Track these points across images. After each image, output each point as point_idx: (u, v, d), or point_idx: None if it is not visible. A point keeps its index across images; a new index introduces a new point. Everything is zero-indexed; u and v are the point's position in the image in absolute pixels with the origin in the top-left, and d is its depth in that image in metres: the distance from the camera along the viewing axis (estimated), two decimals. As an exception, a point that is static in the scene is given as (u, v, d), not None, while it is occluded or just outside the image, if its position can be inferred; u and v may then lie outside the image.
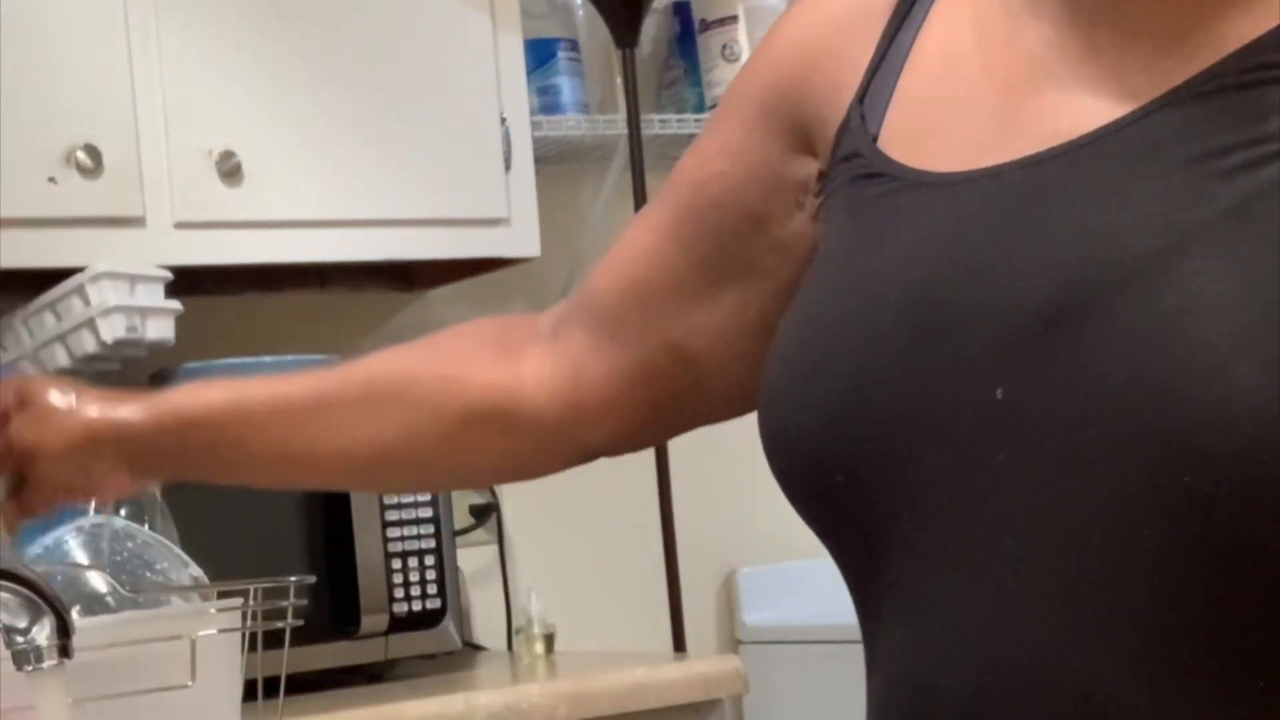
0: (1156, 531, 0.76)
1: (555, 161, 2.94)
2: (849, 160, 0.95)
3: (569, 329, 1.10)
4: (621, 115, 2.87)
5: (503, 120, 2.65)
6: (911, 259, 0.87)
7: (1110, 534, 0.77)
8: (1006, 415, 0.81)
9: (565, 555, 2.99)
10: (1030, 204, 0.84)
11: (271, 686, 1.12)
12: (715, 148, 1.06)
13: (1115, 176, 0.82)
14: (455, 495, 2.70)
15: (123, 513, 1.26)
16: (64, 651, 0.85)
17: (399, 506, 2.50)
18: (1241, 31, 0.82)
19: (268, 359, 2.50)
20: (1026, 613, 0.80)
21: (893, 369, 0.85)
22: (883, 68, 0.96)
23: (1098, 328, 0.78)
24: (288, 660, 1.07)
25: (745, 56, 2.98)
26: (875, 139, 0.94)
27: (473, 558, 2.89)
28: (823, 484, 0.90)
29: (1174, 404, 0.76)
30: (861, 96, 0.96)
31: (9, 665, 0.85)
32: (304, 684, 2.34)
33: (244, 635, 1.07)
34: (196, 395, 1.11)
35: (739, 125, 1.04)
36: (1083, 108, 0.86)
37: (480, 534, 2.95)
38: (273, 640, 1.08)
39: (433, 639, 2.52)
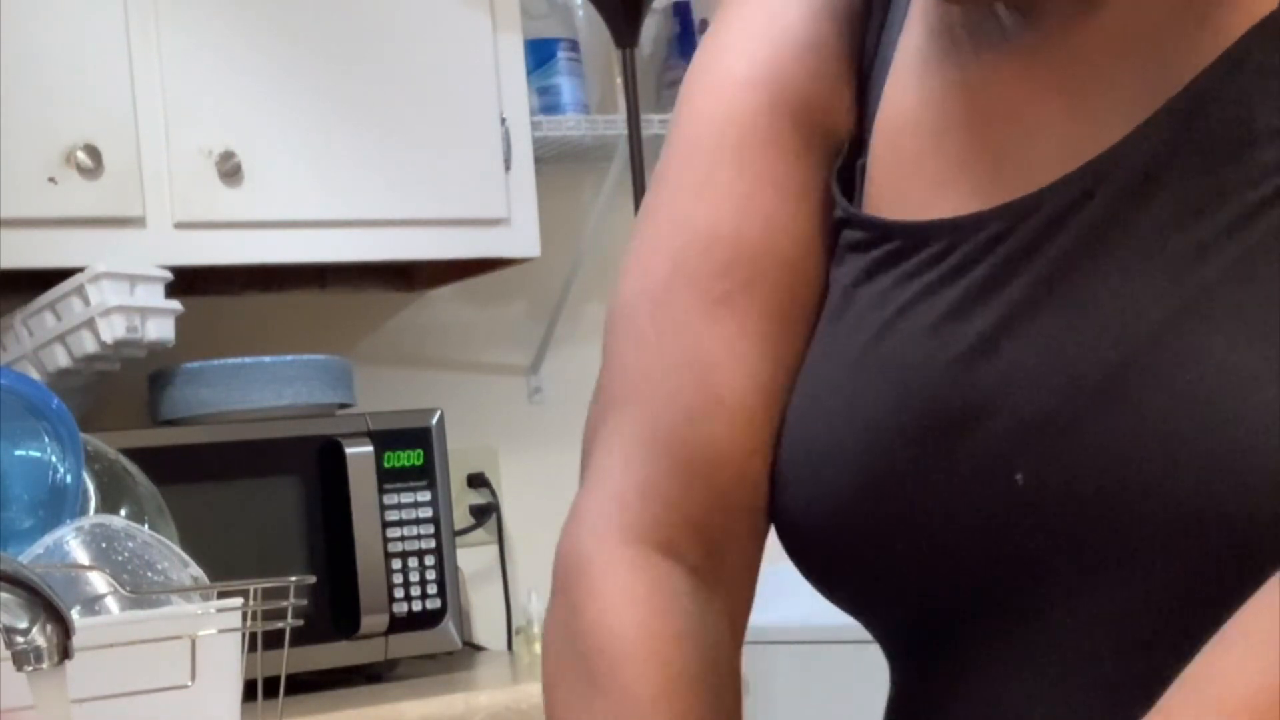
0: (1205, 619, 0.73)
1: (555, 161, 2.94)
2: (839, 226, 0.90)
3: (725, 548, 0.90)
4: (621, 115, 2.86)
5: (503, 120, 2.65)
6: (910, 341, 0.83)
7: (1154, 622, 0.75)
8: (1030, 501, 0.78)
9: (565, 555, 2.98)
10: (1022, 273, 0.80)
11: (271, 686, 1.12)
12: (749, 196, 0.90)
13: (1108, 234, 0.79)
14: (455, 495, 2.70)
15: (123, 513, 1.26)
16: (64, 651, 0.84)
17: (399, 507, 2.50)
18: (1217, 36, 0.80)
19: (267, 359, 2.50)
20: (1062, 696, 0.79)
21: (902, 461, 0.82)
22: (870, 86, 0.92)
23: (1117, 408, 0.76)
24: (288, 660, 1.07)
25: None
26: (863, 180, 0.90)
27: (473, 558, 2.89)
28: (843, 576, 0.87)
29: (1208, 489, 0.73)
30: (858, 123, 0.92)
31: (9, 665, 0.85)
32: (304, 684, 2.34)
33: (244, 635, 1.07)
34: None
35: (769, 151, 0.91)
36: (1062, 138, 0.83)
37: (480, 534, 2.95)
38: (273, 640, 1.08)
39: (433, 639, 2.52)
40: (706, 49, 0.95)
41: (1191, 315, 0.76)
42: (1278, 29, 0.78)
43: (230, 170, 2.43)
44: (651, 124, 2.90)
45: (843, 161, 0.91)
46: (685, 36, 3.08)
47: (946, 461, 0.81)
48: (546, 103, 2.89)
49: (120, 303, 2.30)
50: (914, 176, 0.88)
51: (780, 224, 0.90)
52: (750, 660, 0.95)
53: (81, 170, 2.32)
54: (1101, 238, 0.79)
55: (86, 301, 2.32)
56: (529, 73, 2.76)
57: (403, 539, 2.49)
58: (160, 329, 2.35)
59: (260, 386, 2.47)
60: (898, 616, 0.88)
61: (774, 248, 0.90)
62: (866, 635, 0.92)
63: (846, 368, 0.86)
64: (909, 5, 0.91)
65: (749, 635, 0.92)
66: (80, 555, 1.11)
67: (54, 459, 1.22)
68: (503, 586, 2.92)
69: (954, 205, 0.85)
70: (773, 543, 0.92)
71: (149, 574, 1.12)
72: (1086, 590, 0.78)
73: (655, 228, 0.93)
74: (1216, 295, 0.76)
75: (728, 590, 0.90)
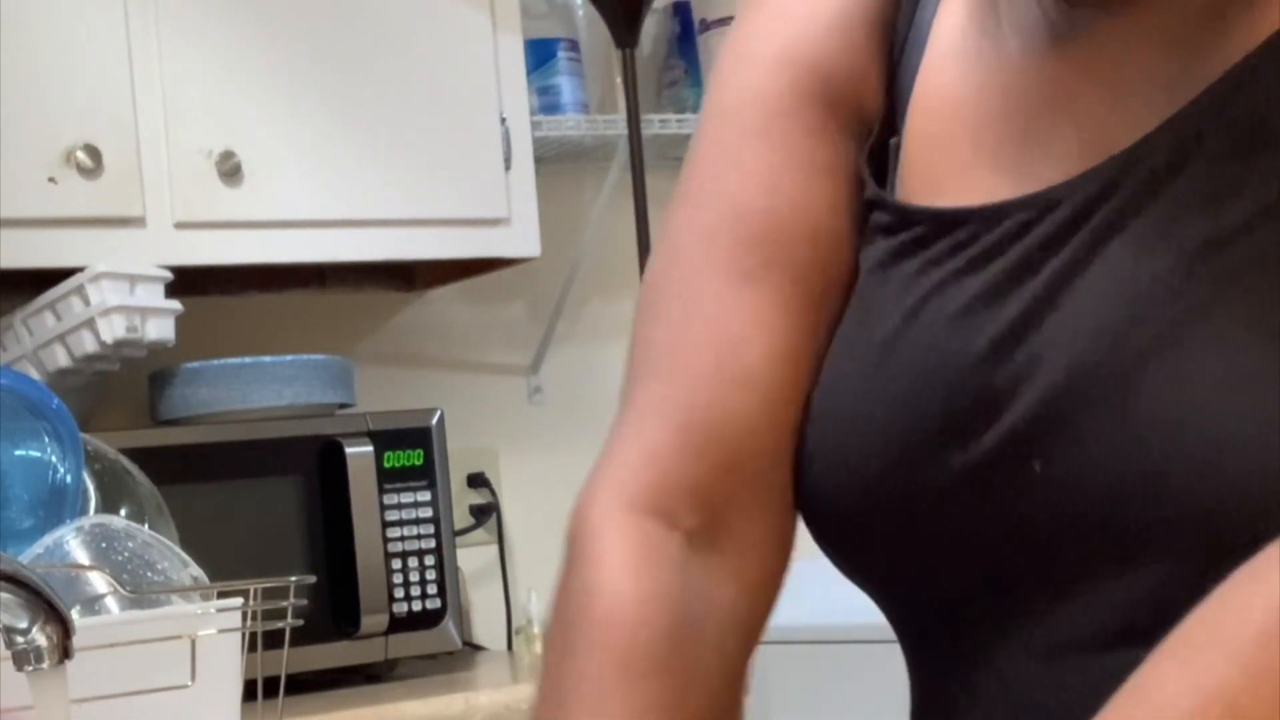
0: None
1: (555, 161, 2.94)
2: (869, 207, 0.91)
3: (728, 516, 0.90)
4: (621, 115, 2.86)
5: (503, 120, 2.65)
6: (935, 328, 0.84)
7: (1161, 614, 0.75)
8: (1046, 489, 0.80)
9: (565, 555, 2.98)
10: (1046, 265, 0.82)
11: (271, 686, 1.12)
12: (778, 173, 0.91)
13: (1127, 227, 0.80)
14: (455, 495, 2.70)
15: (123, 513, 1.26)
16: (64, 651, 0.84)
17: (399, 507, 2.50)
18: (1250, 34, 0.80)
19: (267, 359, 2.50)
20: (1075, 684, 0.80)
21: (926, 445, 0.83)
22: (902, 65, 0.93)
23: (1128, 403, 0.77)
24: (288, 660, 1.07)
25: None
26: (895, 160, 0.91)
27: (473, 558, 2.89)
28: (862, 554, 0.89)
29: (1210, 489, 0.75)
30: (888, 101, 0.93)
31: (9, 665, 0.85)
32: (304, 684, 2.34)
33: (244, 635, 1.07)
34: None
35: (798, 129, 0.92)
36: (1096, 129, 0.84)
37: (480, 534, 2.95)
38: (273, 640, 1.08)
39: (433, 639, 2.52)
40: (738, 28, 0.96)
41: (1202, 313, 0.77)
42: None
43: (230, 170, 2.43)
44: (651, 124, 2.90)
45: (873, 141, 0.92)
46: (685, 36, 3.08)
47: (968, 446, 0.82)
48: (546, 103, 2.89)
49: (120, 303, 2.30)
50: (948, 161, 0.89)
51: (809, 201, 0.91)
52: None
53: (81, 170, 2.32)
54: (1120, 230, 0.80)
55: (86, 301, 2.32)
56: (529, 73, 2.76)
57: (403, 539, 2.49)
58: (160, 329, 2.35)
59: (260, 386, 2.47)
60: (916, 598, 0.89)
61: (803, 224, 0.90)
62: (868, 635, 0.92)
63: (872, 351, 0.87)
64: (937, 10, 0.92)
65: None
66: (80, 555, 1.11)
67: (54, 459, 1.22)
68: (503, 586, 2.92)
69: (986, 191, 0.86)
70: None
71: (149, 574, 1.12)
72: (1098, 579, 0.79)
73: (686, 206, 0.93)
74: (1227, 294, 0.77)
75: (734, 556, 0.90)
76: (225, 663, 1.06)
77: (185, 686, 1.02)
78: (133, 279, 2.33)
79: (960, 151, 0.88)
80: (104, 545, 1.12)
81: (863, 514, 0.87)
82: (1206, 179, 0.79)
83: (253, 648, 1.07)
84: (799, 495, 0.90)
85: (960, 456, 0.82)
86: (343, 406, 2.57)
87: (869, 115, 0.93)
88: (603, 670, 0.84)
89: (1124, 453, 0.77)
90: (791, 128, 0.91)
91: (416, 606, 2.49)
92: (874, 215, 0.91)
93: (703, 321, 0.90)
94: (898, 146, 0.92)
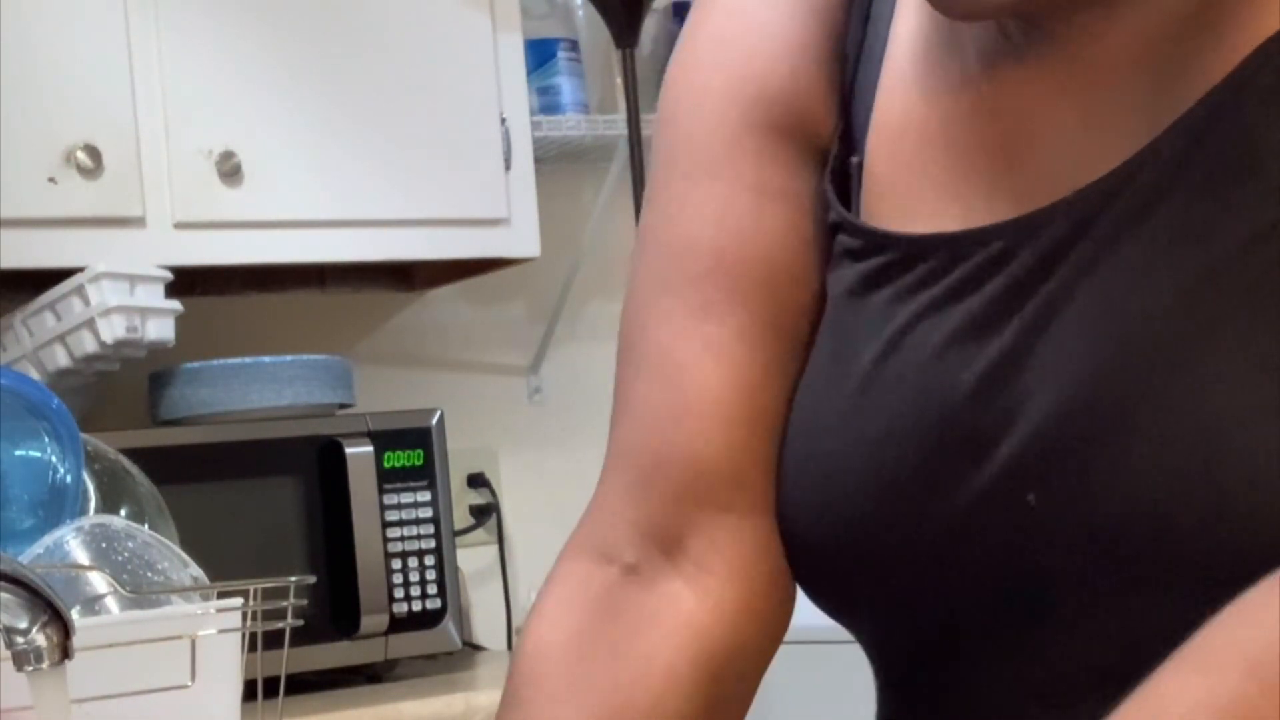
0: None
1: (555, 161, 2.94)
2: (834, 230, 0.89)
3: (698, 535, 0.90)
4: (621, 115, 2.86)
5: (503, 120, 2.65)
6: (918, 362, 0.82)
7: (1156, 650, 0.73)
8: (1041, 522, 0.78)
9: (565, 555, 2.98)
10: (1032, 296, 0.79)
11: (271, 686, 1.12)
12: (726, 204, 0.89)
13: (1116, 255, 0.78)
14: (455, 495, 2.71)
15: (123, 513, 1.26)
16: (64, 651, 0.84)
17: (399, 507, 2.50)
18: (1226, 55, 0.78)
19: (267, 359, 2.50)
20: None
21: (914, 481, 0.81)
22: (858, 81, 0.89)
23: (1125, 437, 0.75)
24: (288, 660, 1.07)
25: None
26: (859, 180, 0.88)
27: (473, 558, 2.89)
28: (848, 595, 0.87)
29: (1210, 523, 0.73)
30: (844, 119, 0.89)
31: (9, 665, 0.85)
32: (304, 684, 2.34)
33: (244, 635, 1.07)
34: None
35: (746, 158, 0.90)
36: (1070, 152, 0.81)
37: (480, 534, 2.95)
38: (273, 640, 1.08)
39: (433, 639, 2.53)
40: (681, 58, 0.94)
41: (1200, 343, 0.75)
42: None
43: (230, 170, 2.43)
44: (652, 124, 2.90)
45: (834, 161, 0.90)
46: (685, 36, 3.08)
47: (959, 482, 0.80)
48: (546, 103, 2.89)
49: (120, 303, 2.30)
50: (918, 183, 0.86)
51: (763, 231, 0.89)
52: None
53: (81, 170, 2.33)
54: (1109, 259, 0.78)
55: (86, 301, 2.32)
56: (529, 73, 2.76)
57: (403, 539, 2.50)
58: (160, 329, 2.35)
59: (260, 386, 2.47)
60: (902, 635, 0.87)
61: (757, 255, 0.89)
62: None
63: (852, 385, 0.85)
64: (894, 16, 0.89)
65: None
66: (80, 555, 1.11)
67: (54, 459, 1.22)
68: (503, 586, 2.92)
69: (961, 216, 0.83)
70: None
71: (149, 574, 1.12)
72: (1092, 614, 0.78)
73: (643, 254, 0.93)
74: (1225, 323, 0.75)
75: (698, 576, 0.90)
76: (225, 663, 1.06)
77: (185, 686, 1.02)
78: (133, 279, 2.34)
79: (930, 174, 0.85)
80: (104, 545, 1.12)
81: (847, 557, 0.84)
82: (1194, 207, 0.77)
83: (253, 648, 1.07)
84: (779, 528, 0.88)
85: (950, 495, 0.80)
86: (343, 406, 2.57)
87: (825, 136, 0.90)
88: (526, 708, 0.88)
89: (1124, 487, 0.75)
90: (740, 158, 0.90)
91: (416, 606, 2.49)
92: (840, 238, 0.88)
93: (656, 360, 0.90)
94: (860, 166, 0.89)
